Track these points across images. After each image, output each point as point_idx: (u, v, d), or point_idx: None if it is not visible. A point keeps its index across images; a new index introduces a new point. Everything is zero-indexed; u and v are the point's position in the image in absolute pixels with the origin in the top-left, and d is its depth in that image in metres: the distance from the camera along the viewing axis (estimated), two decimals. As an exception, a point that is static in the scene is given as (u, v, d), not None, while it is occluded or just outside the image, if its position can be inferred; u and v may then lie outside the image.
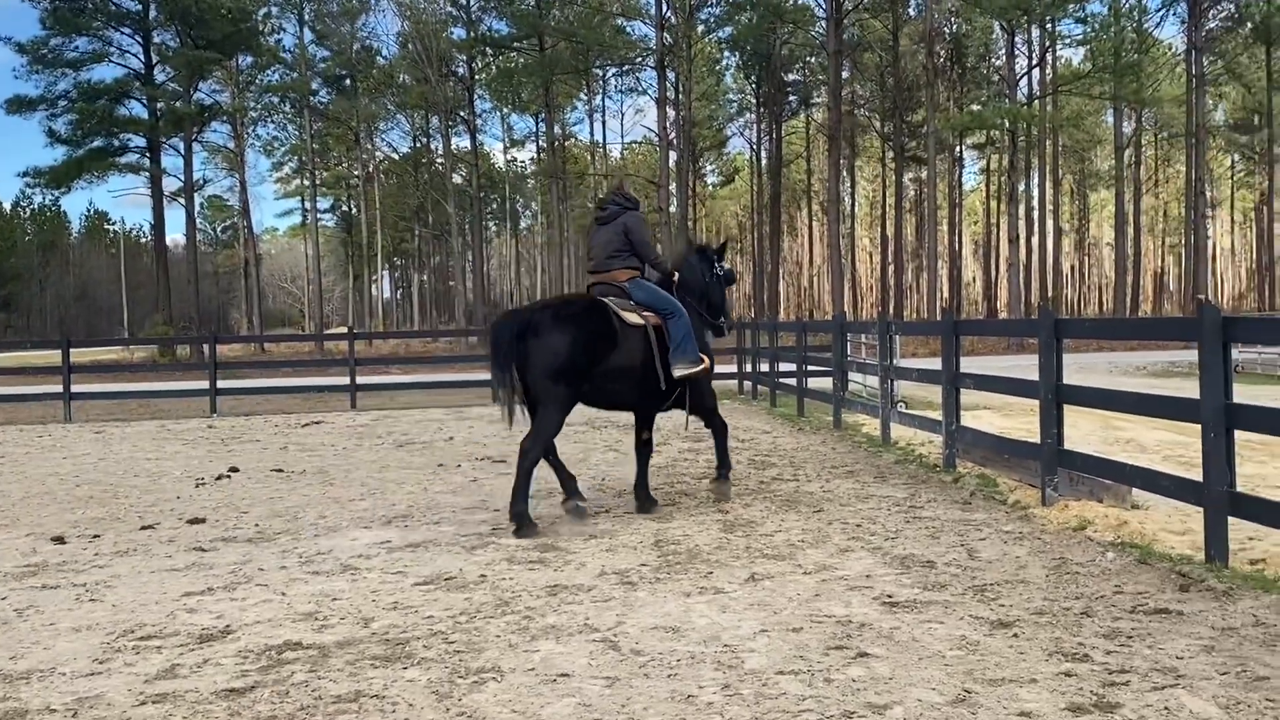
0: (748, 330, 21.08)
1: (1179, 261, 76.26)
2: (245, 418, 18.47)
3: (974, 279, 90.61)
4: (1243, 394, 11.34)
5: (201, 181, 58.87)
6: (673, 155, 52.81)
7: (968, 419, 12.14)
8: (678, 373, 8.02)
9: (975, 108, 53.69)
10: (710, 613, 5.29)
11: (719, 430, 8.55)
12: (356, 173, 65.22)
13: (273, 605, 5.69)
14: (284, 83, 58.15)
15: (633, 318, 7.83)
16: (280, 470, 11.21)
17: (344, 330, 41.60)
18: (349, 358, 20.61)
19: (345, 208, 76.43)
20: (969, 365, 16.10)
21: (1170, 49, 56.14)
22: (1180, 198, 70.28)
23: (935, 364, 10.83)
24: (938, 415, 11.05)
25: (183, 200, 52.45)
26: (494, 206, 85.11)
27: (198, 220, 67.87)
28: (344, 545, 7.24)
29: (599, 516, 8.00)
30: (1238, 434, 6.10)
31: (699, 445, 12.33)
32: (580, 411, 16.72)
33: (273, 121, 63.73)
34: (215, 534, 7.76)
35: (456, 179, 61.24)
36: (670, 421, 15.21)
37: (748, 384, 20.29)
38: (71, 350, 19.73)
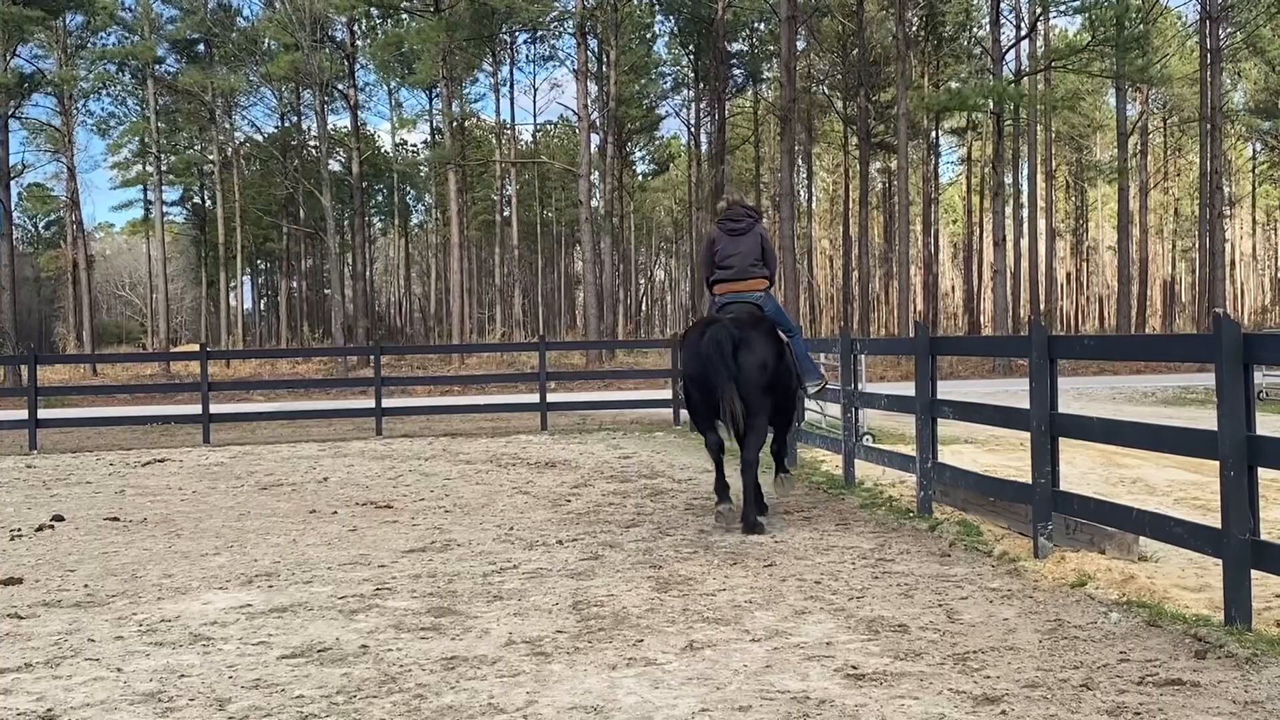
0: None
1: (1192, 269, 78.12)
2: (73, 454, 18.11)
3: (953, 288, 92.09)
4: (1268, 425, 11.62)
5: (20, 166, 57.74)
6: (595, 139, 53.00)
7: (946, 455, 12.30)
8: (811, 390, 10.32)
9: (954, 85, 54.72)
10: (640, 689, 5.28)
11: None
12: (211, 157, 64.43)
13: (106, 684, 5.57)
14: (122, 48, 57.36)
15: (783, 336, 9.94)
16: (116, 519, 11.00)
17: (195, 348, 41.00)
18: (201, 382, 20.36)
19: (198, 199, 75.38)
20: (948, 390, 16.30)
21: (1181, 19, 57.79)
22: (1193, 194, 72.10)
23: (908, 388, 10.96)
24: (911, 450, 11.16)
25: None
26: (379, 199, 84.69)
27: (14, 214, 66.59)
28: (194, 610, 7.12)
29: (504, 572, 7.97)
30: (1262, 472, 6.20)
31: (624, 488, 12.35)
32: (485, 447, 16.63)
33: (109, 95, 62.78)
34: (35, 597, 7.59)
35: (334, 165, 60.84)
36: (592, 460, 15.22)
37: (684, 412, 20.35)
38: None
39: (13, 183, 55.67)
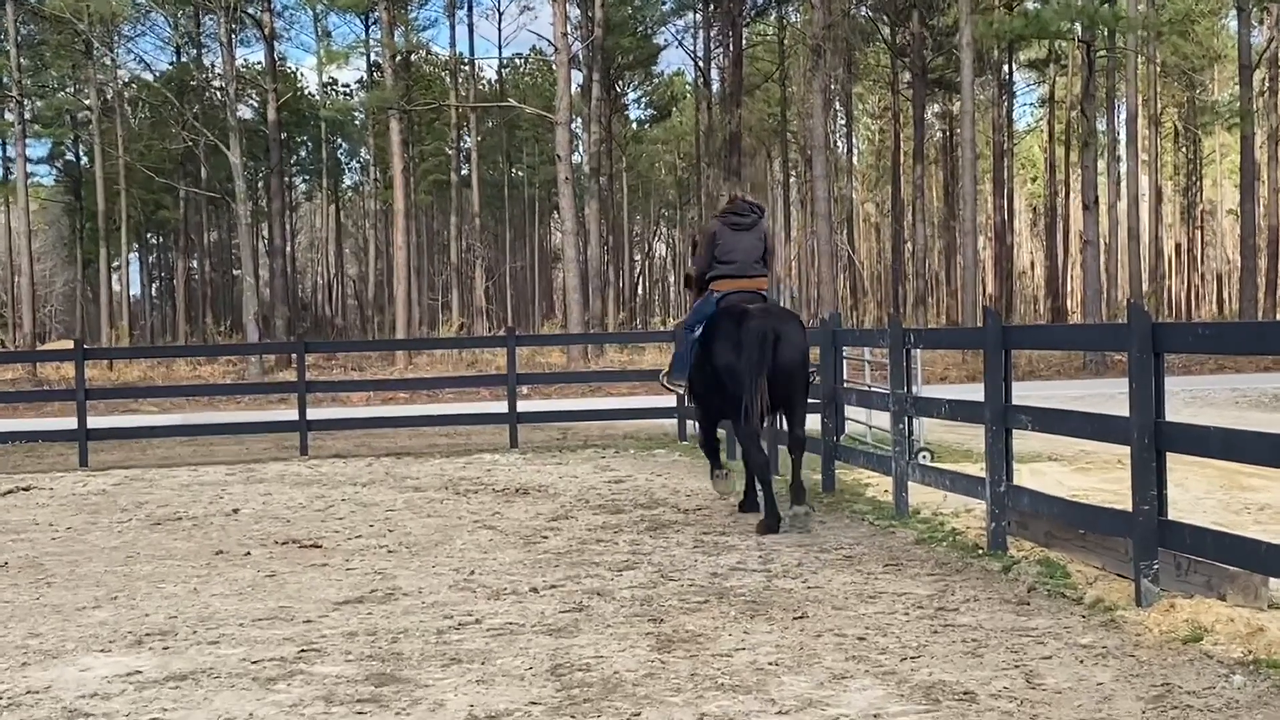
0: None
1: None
2: (-88, 483, 18.10)
3: (1032, 263, 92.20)
4: None
5: None
6: (576, 76, 53.04)
7: (1024, 476, 12.30)
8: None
9: (1031, 5, 54.68)
10: (637, 776, 5.28)
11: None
12: (88, 102, 64.29)
13: (-46, 776, 5.56)
14: (-29, -40, 57.29)
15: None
16: (-33, 564, 11.00)
17: (69, 346, 40.98)
18: (77, 388, 20.33)
19: (70, 156, 75.38)
20: (1026, 393, 16.26)
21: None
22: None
23: (975, 392, 10.96)
24: (979, 470, 11.17)
25: None
26: (303, 155, 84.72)
27: None
28: (69, 679, 7.12)
29: (464, 629, 7.98)
30: None
31: (616, 520, 12.36)
32: (439, 470, 16.68)
33: (-46, 22, 62.69)
34: None
35: (245, 112, 60.86)
36: (575, 485, 15.25)
37: (691, 424, 20.36)
38: None
39: None
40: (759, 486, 12.14)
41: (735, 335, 11.65)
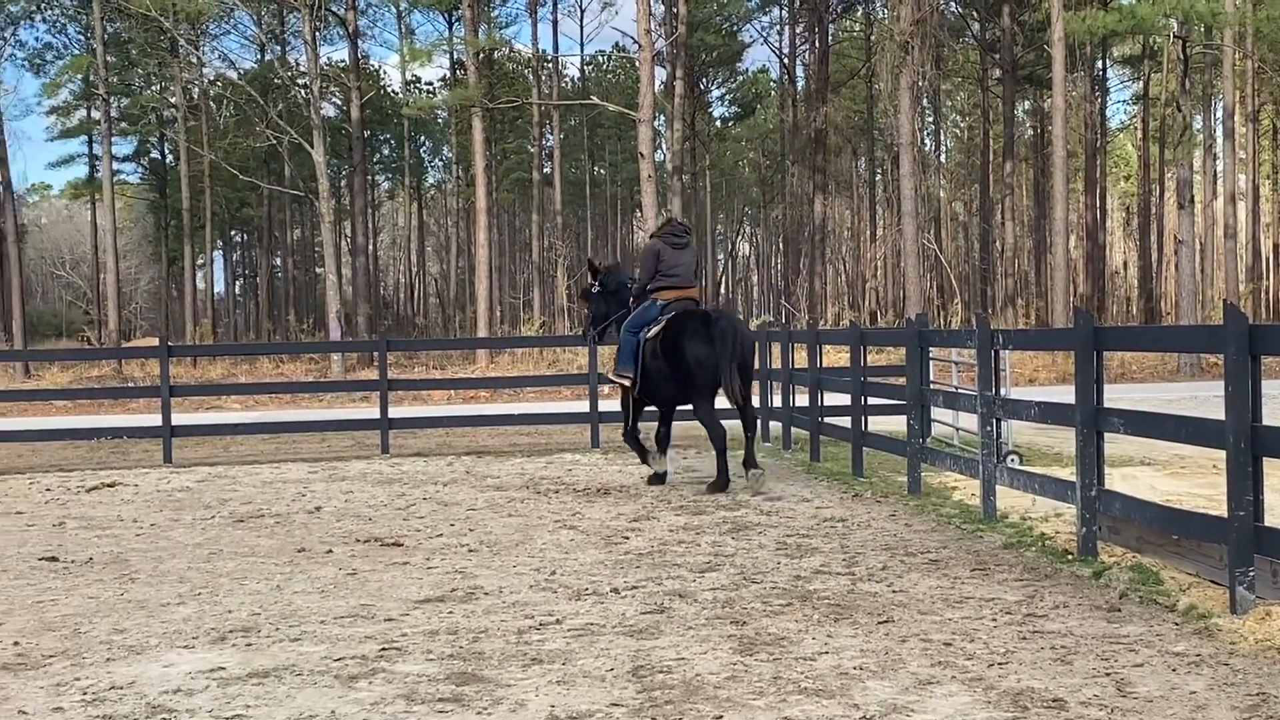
0: (773, 343, 21.13)
1: None
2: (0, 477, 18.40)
3: (1124, 264, 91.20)
4: None
5: (-67, 112, 58.65)
6: (660, 73, 53.02)
7: (1115, 480, 12.18)
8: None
9: (1126, 1, 54.08)
10: (720, 779, 5.27)
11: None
12: (174, 100, 65.04)
13: (40, 769, 5.64)
14: (60, -42, 58.21)
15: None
16: (54, 559, 11.17)
17: (154, 343, 41.46)
18: (161, 385, 20.53)
19: (156, 154, 76.33)
20: (1118, 396, 16.12)
21: None
22: None
23: (1065, 394, 10.87)
24: (1069, 474, 11.07)
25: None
26: (386, 153, 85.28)
27: (-74, 172, 67.60)
28: (153, 675, 7.20)
29: (545, 629, 7.99)
30: None
31: (698, 521, 12.36)
32: (520, 469, 16.72)
33: (43, 19, 63.57)
34: (-50, 659, 7.70)
35: (328, 110, 61.30)
36: (657, 485, 15.25)
37: (775, 424, 20.33)
38: None
39: (-75, 133, 56.58)
40: (717, 453, 14.79)
41: (706, 332, 14.45)
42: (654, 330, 14.92)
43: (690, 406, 15.30)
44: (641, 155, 47.42)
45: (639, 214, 77.91)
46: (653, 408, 15.88)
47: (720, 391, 14.89)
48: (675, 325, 14.72)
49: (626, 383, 15.40)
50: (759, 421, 14.44)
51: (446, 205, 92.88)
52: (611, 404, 25.24)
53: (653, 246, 15.56)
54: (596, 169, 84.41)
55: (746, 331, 15.34)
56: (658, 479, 15.50)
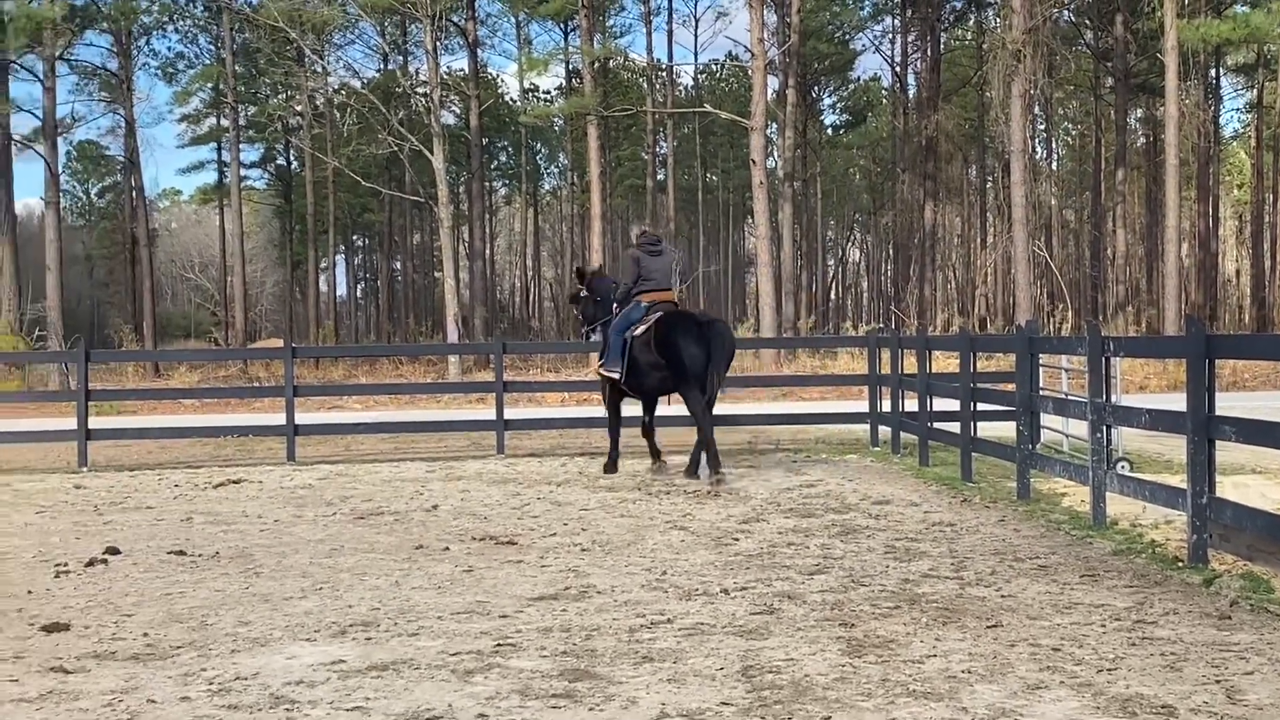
0: (883, 349, 21.01)
1: None
2: (130, 473, 18.71)
3: (1237, 272, 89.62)
4: None
5: (70, 120, 59.80)
6: (772, 82, 52.88)
7: (1227, 488, 11.98)
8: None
9: (1241, 9, 53.21)
10: (828, 779, 5.26)
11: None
12: (300, 108, 65.87)
13: (168, 756, 5.72)
14: (193, -27, 59.11)
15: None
16: (182, 553, 11.33)
17: (278, 344, 42.08)
18: (285, 386, 20.79)
19: (282, 160, 77.38)
20: (1230, 404, 15.83)
21: None
22: None
23: (1176, 401, 10.71)
24: (1180, 481, 10.91)
25: (40, 147, 53.37)
26: (503, 159, 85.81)
27: (62, 176, 69.06)
28: (276, 666, 7.29)
29: (656, 628, 8.00)
30: None
31: (807, 524, 12.32)
32: (632, 470, 16.71)
33: (175, 30, 64.54)
34: (84, 648, 7.85)
35: (448, 118, 61.71)
36: (766, 488, 15.23)
37: (884, 429, 20.21)
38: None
39: (60, 139, 57.54)
40: (709, 440, 16.07)
41: (701, 333, 15.98)
42: (641, 329, 16.44)
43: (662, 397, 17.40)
44: (753, 162, 47.42)
45: (750, 220, 77.87)
46: (632, 398, 17.53)
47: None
48: (670, 323, 16.24)
49: (615, 376, 16.80)
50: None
51: (561, 211, 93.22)
52: (726, 408, 25.24)
53: (633, 255, 17.24)
54: (709, 176, 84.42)
55: (733, 337, 17.26)
56: (659, 466, 17.32)
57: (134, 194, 64.73)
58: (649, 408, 17.61)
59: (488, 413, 22.52)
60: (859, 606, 8.56)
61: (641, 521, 12.75)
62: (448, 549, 11.30)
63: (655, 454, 17.59)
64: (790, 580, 9.54)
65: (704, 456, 16.19)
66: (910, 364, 19.85)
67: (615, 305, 17.32)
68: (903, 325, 52.96)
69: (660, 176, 69.54)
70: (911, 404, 18.96)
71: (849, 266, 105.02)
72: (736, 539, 11.51)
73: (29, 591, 9.72)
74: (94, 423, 20.91)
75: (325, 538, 12.16)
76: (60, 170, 57.89)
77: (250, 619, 8.58)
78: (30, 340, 48.54)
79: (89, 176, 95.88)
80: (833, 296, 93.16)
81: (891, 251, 76.44)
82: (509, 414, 21.11)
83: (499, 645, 7.67)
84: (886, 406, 20.19)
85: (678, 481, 16.07)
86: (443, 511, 13.86)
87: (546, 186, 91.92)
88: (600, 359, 17.35)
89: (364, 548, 11.49)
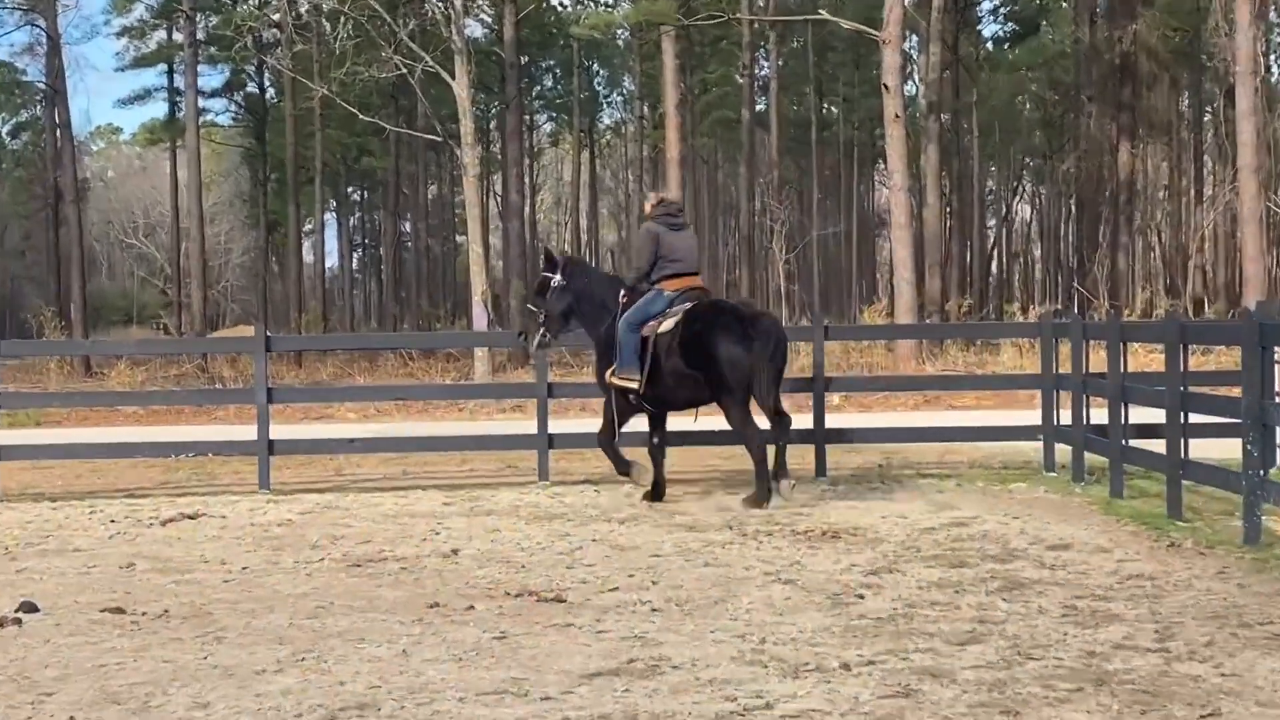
0: (1061, 341, 20.88)
1: None
2: (52, 504, 18.80)
3: None
4: None
5: (-28, 35, 60.32)
6: (911, -18, 52.60)
7: None
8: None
9: None
10: None
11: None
12: (276, 18, 66.11)
13: None
14: None
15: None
16: (120, 610, 11.39)
17: (248, 333, 42.26)
18: (257, 389, 20.84)
19: (253, 87, 77.76)
20: None
21: None
22: None
23: None
24: None
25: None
26: (548, 85, 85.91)
27: (-36, 111, 69.62)
28: (241, 765, 7.33)
29: (750, 715, 8.00)
30: None
31: (956, 576, 12.27)
32: (718, 505, 16.76)
33: (112, -86, 65.01)
34: (-12, 737, 7.93)
35: (474, 29, 61.89)
36: (901, 527, 15.21)
37: (1063, 448, 20.08)
38: None
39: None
40: (756, 463, 16.89)
41: (743, 329, 16.64)
42: (668, 324, 17.04)
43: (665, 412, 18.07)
44: (886, 88, 47.21)
45: (881, 166, 77.66)
46: (647, 412, 17.99)
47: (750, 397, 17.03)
48: (702, 319, 16.96)
49: (634, 385, 17.25)
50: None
51: (626, 154, 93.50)
52: (848, 419, 25.21)
53: (650, 230, 17.73)
54: (826, 106, 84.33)
55: (784, 333, 17.75)
56: (655, 494, 17.69)
57: (58, 132, 65.25)
58: (658, 425, 18.15)
59: (527, 425, 22.54)
60: (1027, 688, 8.53)
61: (733, 572, 12.73)
62: (472, 608, 11.33)
63: (658, 489, 17.80)
64: (934, 651, 9.52)
65: (773, 476, 16.82)
66: (1099, 360, 19.74)
67: (623, 295, 17.72)
68: (1089, 308, 52.60)
69: (760, 107, 69.52)
70: (1101, 414, 18.85)
71: (1015, 229, 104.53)
72: (861, 596, 11.49)
73: (-83, 661, 9.82)
74: (3, 437, 21.08)
75: (309, 591, 12.20)
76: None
77: (209, 700, 8.63)
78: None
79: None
80: (993, 269, 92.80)
81: (1073, 208, 76.06)
82: (555, 427, 21.08)
83: (541, 738, 7.69)
84: (1066, 418, 20.07)
85: (779, 519, 16.04)
86: (465, 557, 13.89)
87: (607, 121, 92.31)
88: (610, 365, 17.69)
89: (361, 605, 11.53)
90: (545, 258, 19.46)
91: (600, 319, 17.91)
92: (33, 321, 61.02)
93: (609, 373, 17.72)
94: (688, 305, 17.07)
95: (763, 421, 17.09)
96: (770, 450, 16.91)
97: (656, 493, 17.65)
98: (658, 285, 17.35)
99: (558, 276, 18.27)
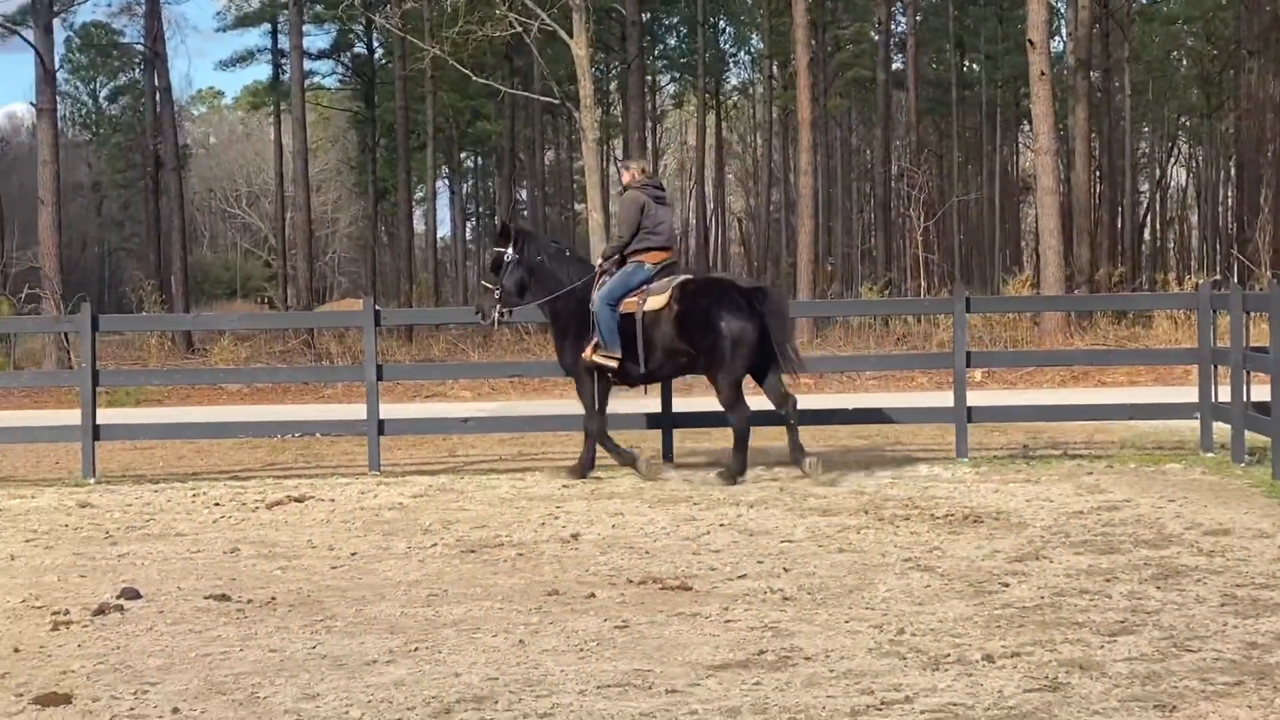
0: (1220, 313, 20.67)
1: None
2: (154, 486, 19.01)
3: None
4: None
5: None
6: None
7: None
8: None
9: None
10: None
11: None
12: (384, -26, 66.45)
13: None
14: None
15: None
16: (225, 598, 11.49)
17: (355, 307, 42.37)
18: (367, 365, 20.91)
19: (361, 48, 78.09)
20: None
21: None
22: None
23: None
24: None
25: (28, 32, 54.39)
26: (671, 44, 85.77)
27: (61, 74, 70.39)
28: (352, 759, 7.37)
29: (888, 709, 7.98)
30: None
31: (1107, 563, 12.18)
32: (856, 486, 16.73)
33: (213, -128, 65.43)
34: (90, 729, 8.01)
35: (592, -16, 61.80)
36: (1048, 511, 15.12)
37: (1221, 427, 19.89)
38: None
39: (57, 21, 58.47)
40: (738, 439, 17.94)
41: (750, 307, 17.59)
42: (658, 299, 17.77)
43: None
44: (1030, 44, 46.86)
45: (1026, 128, 77.09)
46: (623, 386, 19.00)
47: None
48: (704, 293, 17.90)
49: (614, 364, 18.03)
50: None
51: (754, 116, 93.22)
52: (990, 396, 25.10)
53: (635, 199, 18.20)
54: (967, 64, 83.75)
55: (788, 305, 19.39)
56: (652, 468, 18.55)
57: (157, 97, 65.62)
58: (604, 399, 18.74)
59: (649, 405, 22.55)
60: (1183, 681, 8.46)
61: (869, 559, 12.70)
62: (593, 595, 11.36)
63: (587, 467, 18.71)
64: (1083, 643, 9.46)
65: (792, 457, 18.00)
66: (1260, 333, 19.55)
67: (601, 265, 18.56)
68: (1250, 277, 52.05)
69: (896, 65, 69.12)
70: (1262, 391, 18.65)
71: (1170, 193, 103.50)
72: (1005, 584, 11.44)
73: (16, 649, 9.92)
74: (104, 416, 21.23)
75: (422, 578, 12.27)
76: (57, 65, 58.87)
77: (318, 690, 8.68)
78: (17, 302, 49.46)
79: (96, 73, 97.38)
80: (1146, 236, 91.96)
81: (1233, 171, 75.28)
82: (678, 405, 21.08)
83: (666, 733, 7.70)
84: (1225, 395, 19.89)
85: (918, 503, 15.97)
86: (586, 542, 13.92)
87: (734, 81, 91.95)
88: (573, 342, 18.56)
89: (476, 593, 11.58)
90: (499, 231, 20.23)
91: (556, 293, 18.63)
92: (132, 295, 61.39)
93: (588, 351, 18.23)
94: (679, 279, 17.96)
95: (764, 402, 18.48)
96: (749, 431, 18.08)
97: (585, 470, 18.59)
98: (639, 258, 18.04)
99: (510, 250, 18.89)
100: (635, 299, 17.84)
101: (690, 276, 18.38)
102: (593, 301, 18.09)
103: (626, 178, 19.02)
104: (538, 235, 20.51)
